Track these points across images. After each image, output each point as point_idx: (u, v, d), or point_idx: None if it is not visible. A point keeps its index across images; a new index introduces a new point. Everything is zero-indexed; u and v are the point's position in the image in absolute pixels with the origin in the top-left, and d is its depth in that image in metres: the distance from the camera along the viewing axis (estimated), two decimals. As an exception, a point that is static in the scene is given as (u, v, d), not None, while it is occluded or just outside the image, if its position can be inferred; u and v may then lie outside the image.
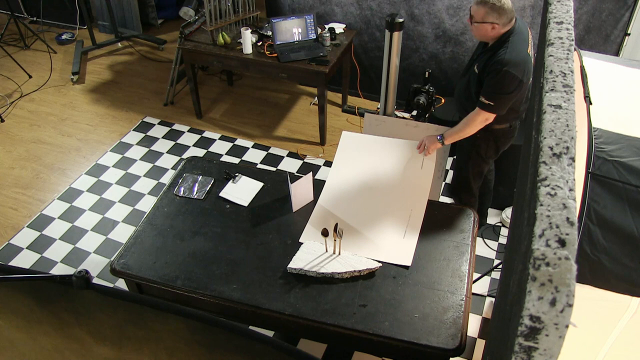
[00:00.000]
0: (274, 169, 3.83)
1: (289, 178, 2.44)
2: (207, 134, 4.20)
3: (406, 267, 2.17)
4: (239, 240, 2.31)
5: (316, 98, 4.32)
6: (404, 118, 3.40)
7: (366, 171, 2.59)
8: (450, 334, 1.93)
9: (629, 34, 3.49)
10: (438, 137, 2.60)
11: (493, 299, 2.89)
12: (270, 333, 2.53)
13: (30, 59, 5.14)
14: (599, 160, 1.71)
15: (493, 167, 3.10)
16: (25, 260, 3.18)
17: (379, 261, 2.18)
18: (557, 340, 0.60)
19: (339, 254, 2.20)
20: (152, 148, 4.06)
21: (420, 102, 2.84)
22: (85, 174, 3.82)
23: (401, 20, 2.74)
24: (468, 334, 2.11)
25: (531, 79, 2.50)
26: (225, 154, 4.01)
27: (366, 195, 2.49)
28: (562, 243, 0.65)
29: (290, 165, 3.89)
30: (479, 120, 2.51)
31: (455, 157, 3.81)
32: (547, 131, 0.83)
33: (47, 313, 1.17)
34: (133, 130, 4.25)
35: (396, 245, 2.26)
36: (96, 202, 3.58)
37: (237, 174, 2.63)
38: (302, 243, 2.28)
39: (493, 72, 2.38)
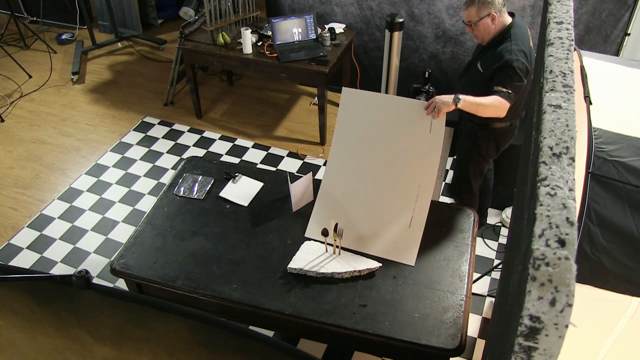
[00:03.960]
0: (274, 169, 3.83)
1: (289, 178, 2.44)
2: (207, 134, 4.20)
3: (411, 266, 2.17)
4: (239, 240, 2.31)
5: (316, 98, 4.32)
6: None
7: (370, 139, 2.38)
8: (450, 334, 1.93)
9: (629, 34, 3.49)
10: (454, 99, 2.26)
11: (493, 299, 2.89)
12: (270, 333, 2.53)
13: (30, 59, 5.14)
14: (599, 160, 1.71)
15: (492, 167, 3.10)
16: (25, 260, 3.18)
17: (380, 260, 2.18)
18: (557, 340, 0.60)
19: (339, 253, 2.20)
20: (152, 148, 4.06)
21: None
22: (85, 174, 3.82)
23: (401, 20, 2.74)
24: (468, 334, 2.11)
25: (531, 78, 2.51)
26: (225, 154, 4.01)
27: (371, 169, 2.36)
28: (562, 243, 0.65)
29: (290, 165, 3.89)
30: (503, 107, 2.34)
31: (455, 157, 3.81)
32: (547, 131, 0.83)
33: (47, 313, 1.17)
34: (133, 130, 4.25)
35: (402, 238, 2.24)
36: (96, 202, 3.58)
37: (237, 174, 2.63)
38: (304, 240, 2.28)
39: (502, 65, 2.37)
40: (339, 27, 3.97)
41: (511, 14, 2.50)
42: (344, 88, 2.46)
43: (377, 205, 2.34)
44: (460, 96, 2.27)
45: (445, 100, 2.23)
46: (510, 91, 2.36)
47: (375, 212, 2.33)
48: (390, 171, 2.36)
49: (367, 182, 2.38)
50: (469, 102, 2.31)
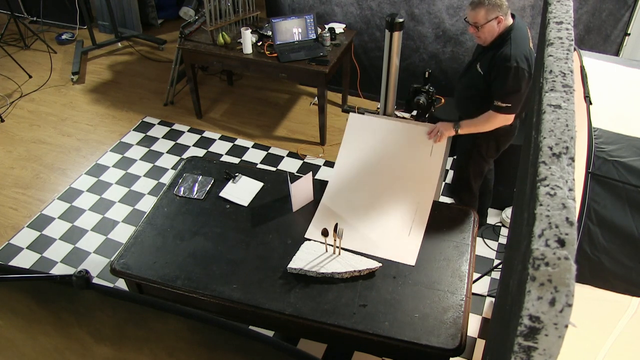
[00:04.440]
0: (274, 169, 3.83)
1: (289, 178, 2.44)
2: (207, 134, 4.21)
3: (411, 266, 2.17)
4: (239, 240, 2.31)
5: (316, 98, 4.33)
6: (404, 118, 3.40)
7: (373, 160, 2.52)
8: (450, 334, 1.93)
9: (629, 34, 3.49)
10: (454, 126, 2.56)
11: (493, 299, 2.89)
12: (270, 333, 2.53)
13: (30, 59, 5.14)
14: (599, 160, 1.70)
15: (492, 167, 3.10)
16: (25, 260, 3.18)
17: (380, 260, 2.18)
18: (557, 340, 0.60)
19: (339, 254, 2.20)
20: (152, 148, 4.06)
21: (420, 102, 2.84)
22: (85, 174, 3.82)
23: (401, 20, 2.73)
24: (468, 334, 2.11)
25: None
26: (225, 154, 4.01)
27: (373, 187, 2.46)
28: (561, 243, 0.65)
29: (290, 165, 3.89)
30: (500, 120, 2.50)
31: (455, 157, 3.81)
32: (547, 131, 0.83)
33: (47, 313, 1.17)
34: (133, 130, 4.25)
35: (401, 243, 2.26)
36: (96, 202, 3.58)
37: (237, 174, 2.63)
38: (304, 240, 2.28)
39: (502, 71, 2.37)
40: (339, 27, 3.97)
41: (511, 15, 2.50)
42: (351, 114, 2.66)
43: (376, 217, 2.37)
44: (459, 122, 2.57)
45: (447, 126, 2.52)
46: (510, 105, 2.42)
47: (374, 223, 2.35)
48: (391, 189, 2.45)
49: (367, 198, 2.44)
50: (468, 126, 2.56)
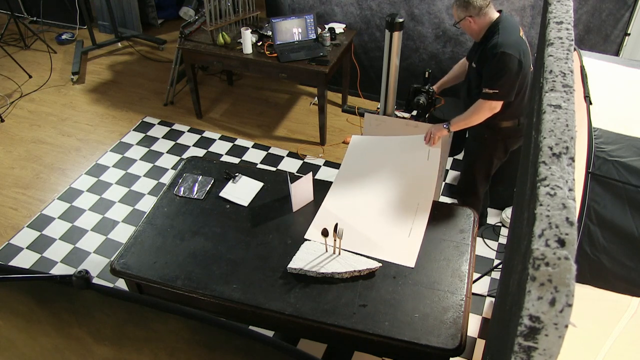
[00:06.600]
0: (274, 169, 3.83)
1: (289, 178, 2.44)
2: (207, 134, 4.21)
3: (410, 267, 2.17)
4: (239, 240, 2.31)
5: (316, 98, 4.33)
6: (404, 118, 3.40)
7: (373, 171, 2.59)
8: (450, 334, 1.93)
9: (629, 34, 3.49)
10: (444, 125, 2.60)
11: (493, 299, 2.89)
12: (270, 333, 2.53)
13: (30, 59, 5.14)
14: (599, 160, 1.70)
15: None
16: (25, 260, 3.18)
17: (380, 260, 2.17)
18: (557, 340, 0.60)
19: (339, 254, 2.20)
20: (152, 148, 4.06)
21: (420, 102, 2.84)
22: (85, 174, 3.82)
23: (401, 20, 2.73)
24: (468, 334, 2.11)
25: (531, 70, 2.50)
26: (225, 154, 4.01)
27: (372, 193, 2.50)
28: (561, 243, 0.65)
29: (290, 165, 3.89)
30: (486, 108, 2.48)
31: (454, 157, 3.81)
32: (547, 131, 0.83)
33: (47, 313, 1.17)
34: (133, 130, 4.25)
35: (401, 244, 2.26)
36: (96, 202, 3.58)
37: (237, 174, 2.63)
38: (304, 240, 2.28)
39: (489, 58, 2.39)
40: (339, 27, 3.97)
41: (498, 11, 2.50)
42: (353, 136, 2.79)
43: (376, 219, 2.38)
44: (449, 121, 2.59)
45: (438, 127, 2.59)
46: (497, 91, 2.42)
47: (374, 224, 2.35)
48: (390, 193, 2.48)
49: (367, 202, 2.46)
50: (457, 122, 2.58)
